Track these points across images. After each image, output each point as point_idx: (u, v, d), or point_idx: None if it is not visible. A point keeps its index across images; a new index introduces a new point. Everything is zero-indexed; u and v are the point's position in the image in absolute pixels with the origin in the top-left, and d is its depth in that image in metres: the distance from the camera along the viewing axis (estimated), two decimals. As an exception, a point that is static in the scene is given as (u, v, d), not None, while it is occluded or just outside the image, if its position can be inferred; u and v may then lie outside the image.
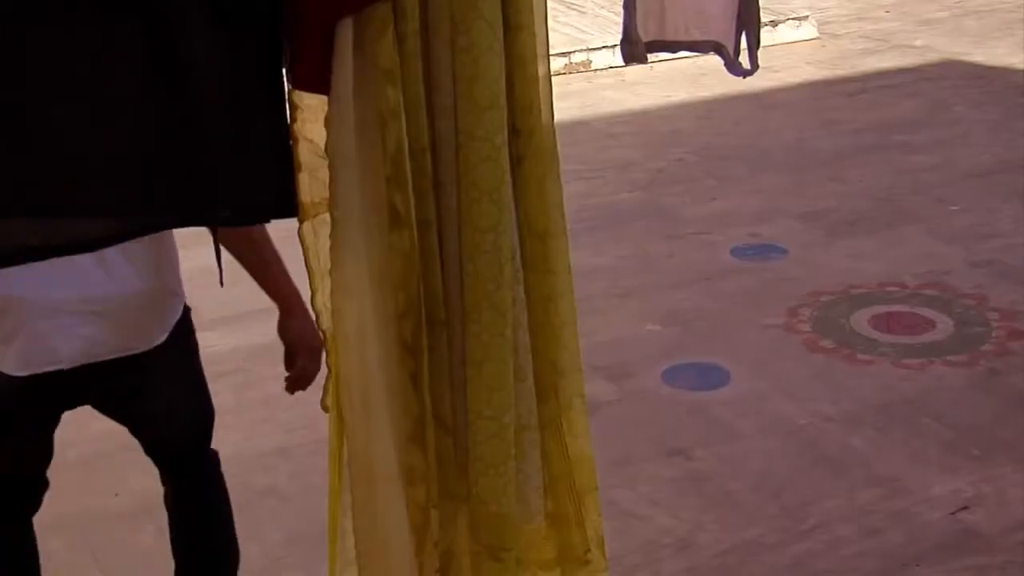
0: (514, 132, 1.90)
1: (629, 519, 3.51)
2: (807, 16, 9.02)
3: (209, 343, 4.61)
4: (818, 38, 8.83)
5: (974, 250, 5.15)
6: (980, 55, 8.04)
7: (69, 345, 2.41)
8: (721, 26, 2.16)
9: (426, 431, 2.03)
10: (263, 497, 3.68)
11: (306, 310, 2.55)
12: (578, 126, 7.14)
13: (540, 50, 1.88)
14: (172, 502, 2.88)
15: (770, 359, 4.37)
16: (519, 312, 2.02)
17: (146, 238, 2.35)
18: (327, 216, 1.91)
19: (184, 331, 2.66)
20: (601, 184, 6.18)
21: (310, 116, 1.88)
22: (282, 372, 4.19)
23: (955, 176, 6.02)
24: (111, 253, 2.34)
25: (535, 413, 2.07)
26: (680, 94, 7.50)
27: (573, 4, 9.64)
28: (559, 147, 6.25)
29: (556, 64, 8.01)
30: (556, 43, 8.32)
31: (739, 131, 6.97)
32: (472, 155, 1.88)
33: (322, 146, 1.87)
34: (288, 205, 1.91)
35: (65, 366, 2.44)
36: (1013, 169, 6.05)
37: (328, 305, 1.97)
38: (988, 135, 6.57)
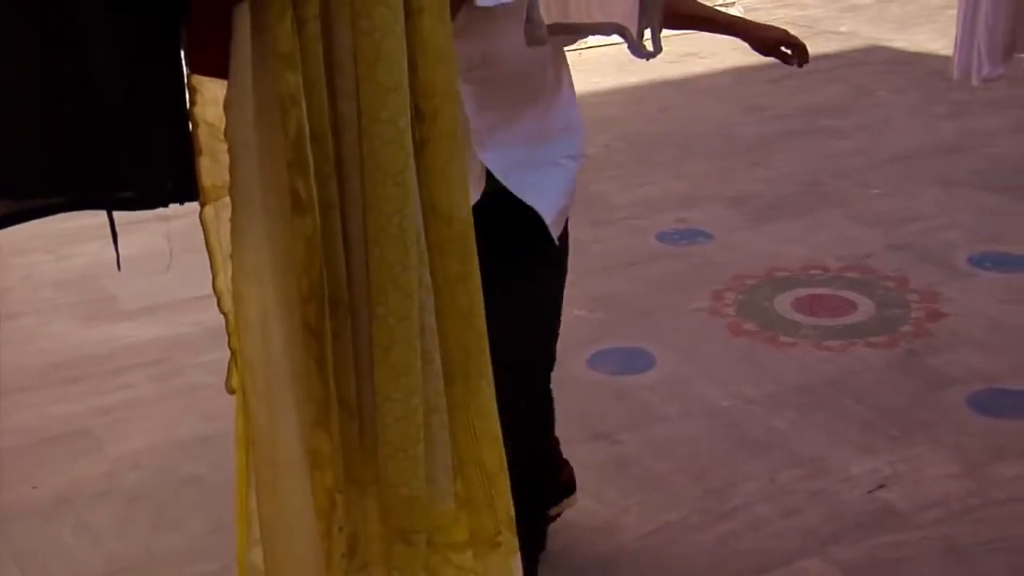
0: (418, 115, 1.90)
1: (553, 503, 3.52)
2: (734, 3, 9.07)
3: (129, 333, 4.60)
4: (746, 24, 8.89)
5: (895, 233, 5.22)
6: (903, 41, 8.14)
7: None
8: (624, 8, 2.16)
9: (331, 415, 2.02)
10: (185, 486, 3.65)
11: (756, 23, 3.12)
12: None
13: (442, 34, 1.88)
14: None
15: (695, 343, 4.40)
16: (425, 295, 2.02)
17: None
18: (229, 199, 1.90)
19: None
20: (529, 171, 6.18)
21: (210, 100, 1.87)
22: (204, 360, 4.18)
23: (877, 161, 6.09)
24: None
25: (443, 395, 2.07)
26: (608, 80, 7.52)
27: (502, -8, 9.62)
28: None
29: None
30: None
31: (666, 117, 7.01)
32: (375, 138, 1.87)
33: (222, 130, 1.86)
34: (189, 189, 1.90)
35: None
36: (933, 153, 6.14)
37: (230, 288, 1.96)
38: (909, 120, 6.66)
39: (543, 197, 2.76)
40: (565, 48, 2.68)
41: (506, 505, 2.19)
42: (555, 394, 4.08)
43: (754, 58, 6.29)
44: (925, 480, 3.53)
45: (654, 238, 5.30)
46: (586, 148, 2.98)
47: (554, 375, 4.18)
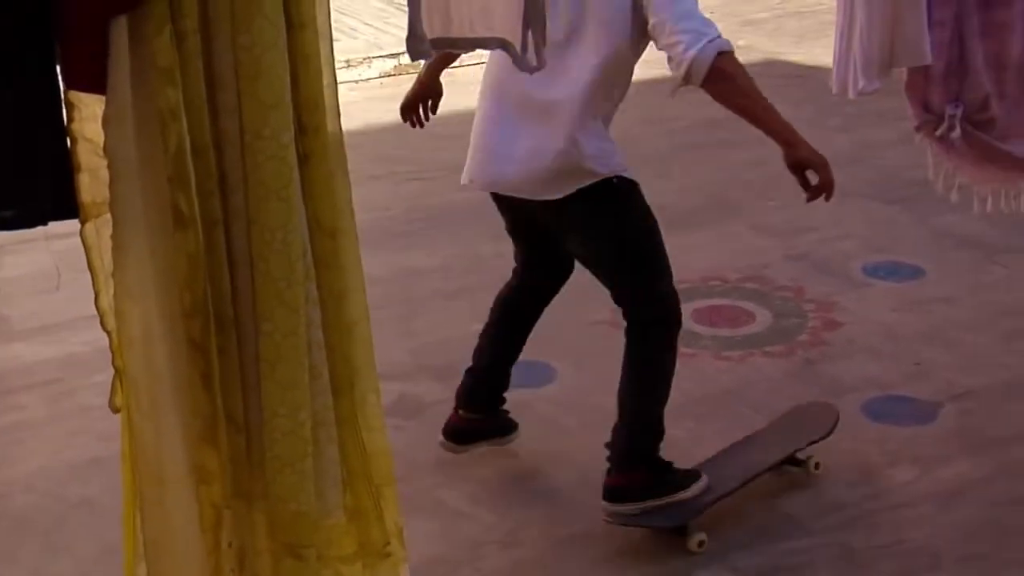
0: (300, 130, 1.90)
1: (454, 518, 3.52)
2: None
3: (21, 353, 4.51)
4: (649, 39, 8.95)
5: (791, 244, 5.29)
6: (799, 55, 8.25)
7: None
8: (507, 23, 2.16)
9: (218, 430, 2.01)
10: (76, 509, 3.59)
11: (800, 138, 3.26)
12: (409, 128, 7.11)
13: (325, 48, 1.87)
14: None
15: (595, 355, 4.41)
16: (312, 309, 2.02)
17: None
18: (110, 216, 1.87)
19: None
20: (433, 185, 6.18)
21: (88, 115, 1.84)
22: (97, 381, 4.10)
23: (775, 173, 6.08)
24: None
25: (331, 409, 2.07)
26: (510, 95, 7.53)
27: (402, 5, 9.63)
28: (390, 148, 6.23)
29: (386, 65, 8.00)
30: (387, 44, 8.31)
31: (568, 131, 7.03)
32: (258, 153, 1.86)
33: (101, 146, 1.83)
34: (68, 206, 1.87)
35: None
36: (829, 165, 6.22)
37: (112, 306, 1.93)
38: (805, 132, 6.63)
39: None
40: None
41: (394, 515, 2.20)
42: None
43: (654, 71, 6.35)
44: (821, 487, 3.58)
45: (555, 251, 5.30)
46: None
47: (455, 388, 4.18)
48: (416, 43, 2.11)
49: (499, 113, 3.35)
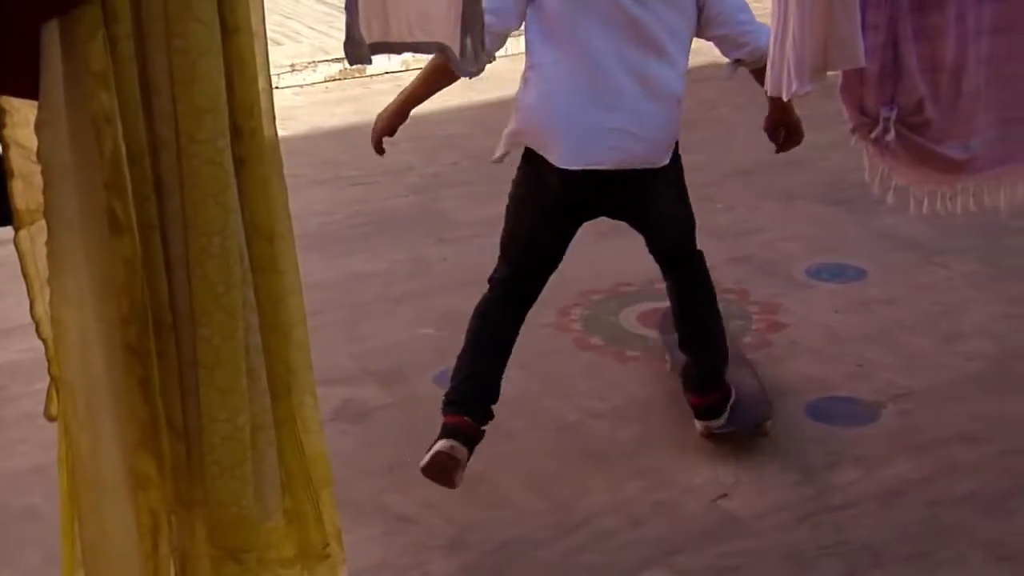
0: (236, 133, 1.89)
1: (400, 523, 3.51)
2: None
3: (-42, 361, 4.45)
4: (592, 43, 8.99)
5: (736, 246, 5.32)
6: (745, 58, 8.32)
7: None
8: (445, 28, 2.17)
9: (159, 436, 2.00)
10: (19, 519, 3.55)
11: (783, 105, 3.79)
12: (354, 131, 7.09)
13: (260, 52, 1.86)
14: (671, 290, 3.91)
15: (541, 359, 4.41)
16: (249, 314, 2.02)
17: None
18: (44, 223, 1.85)
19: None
20: (377, 189, 6.16)
21: (20, 121, 1.83)
22: (38, 388, 4.03)
23: (721, 175, 6.20)
24: None
25: (270, 412, 2.07)
26: (456, 99, 7.50)
27: (350, 10, 9.59)
28: (334, 153, 6.20)
29: (331, 70, 7.97)
30: (332, 48, 8.27)
31: (514, 134, 7.04)
32: (194, 158, 1.85)
33: (35, 151, 1.81)
34: (2, 213, 1.85)
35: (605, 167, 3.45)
36: (772, 169, 6.25)
37: (48, 313, 1.92)
38: (751, 136, 6.73)
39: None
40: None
41: (332, 517, 2.20)
42: (401, 413, 4.09)
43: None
44: (765, 487, 3.60)
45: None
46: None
47: (401, 393, 4.18)
48: (354, 48, 2.11)
49: (593, 90, 3.48)
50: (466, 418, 3.54)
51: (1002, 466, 3.66)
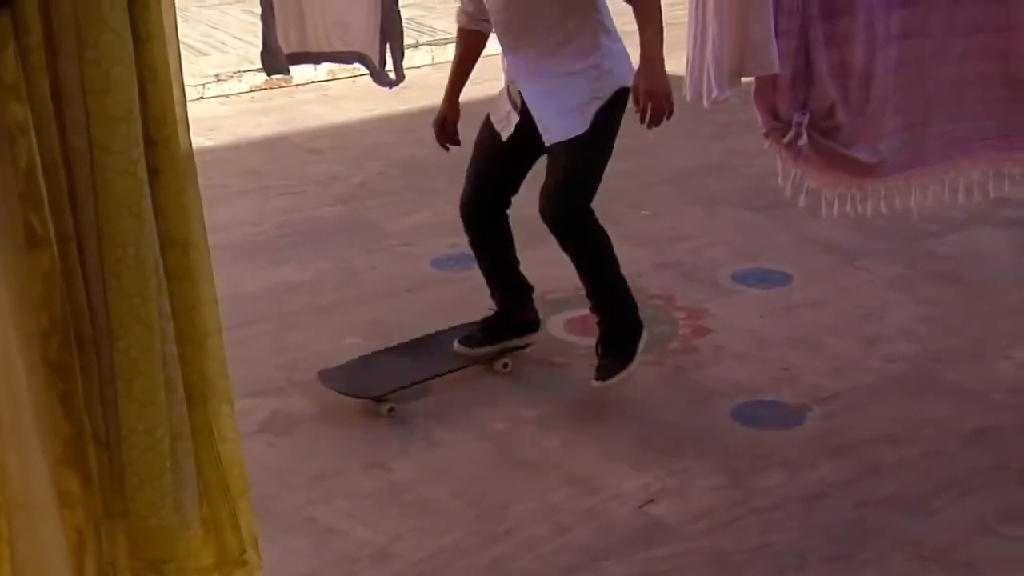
0: (150, 143, 1.87)
1: (327, 534, 3.49)
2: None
3: None
4: (518, 51, 9.01)
5: (663, 252, 5.36)
6: (669, 65, 8.35)
7: None
8: (364, 37, 2.16)
9: (86, 451, 1.98)
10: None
11: (655, 68, 3.84)
12: (279, 141, 7.08)
13: (172, 60, 1.85)
14: None
15: (469, 367, 4.41)
16: (166, 324, 2.00)
17: None
18: (-44, 237, 1.82)
19: None
20: (303, 199, 6.14)
21: (-68, 132, 1.79)
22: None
23: (648, 182, 6.24)
24: None
25: (187, 422, 2.06)
26: (382, 108, 7.51)
27: (276, 19, 9.53)
28: (260, 163, 6.16)
29: (257, 79, 7.92)
30: (258, 58, 8.18)
31: (440, 143, 7.03)
32: (108, 169, 1.83)
33: (-54, 165, 1.79)
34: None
35: None
36: (699, 175, 6.33)
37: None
38: (678, 142, 6.82)
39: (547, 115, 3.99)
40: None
41: (249, 524, 2.20)
42: (328, 424, 4.07)
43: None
44: (692, 492, 3.63)
45: (428, 264, 5.31)
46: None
47: (328, 404, 4.16)
48: (271, 58, 2.10)
49: None
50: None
51: (923, 467, 3.72)
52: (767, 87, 3.32)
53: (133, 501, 2.04)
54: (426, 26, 9.25)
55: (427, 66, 8.70)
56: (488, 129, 4.27)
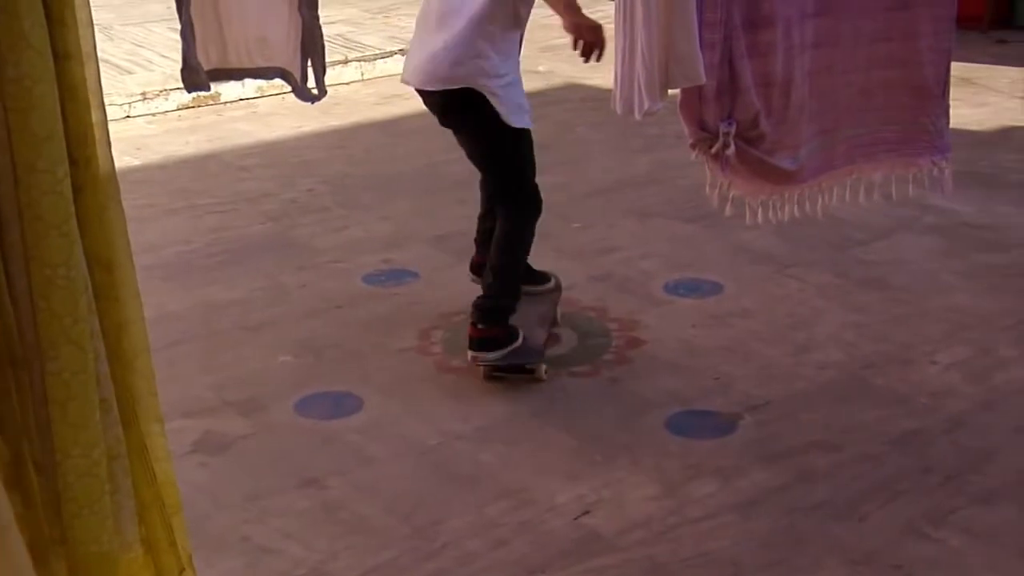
0: (71, 162, 1.85)
1: (261, 554, 3.46)
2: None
3: None
4: (448, 66, 9.02)
5: (595, 264, 5.38)
6: (598, 79, 8.38)
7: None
8: (284, 53, 2.15)
9: (27, 474, 1.96)
10: None
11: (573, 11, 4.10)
12: (208, 159, 7.02)
13: (91, 78, 1.83)
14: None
15: (402, 382, 4.41)
16: (98, 343, 1.98)
17: None
18: None
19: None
20: (233, 217, 6.09)
21: None
22: None
23: (578, 195, 6.27)
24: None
25: (123, 442, 2.04)
26: (312, 124, 7.49)
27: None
28: (189, 181, 6.11)
29: (184, 97, 7.85)
30: (185, 76, 8.15)
31: (370, 159, 7.03)
32: (33, 188, 1.81)
33: None
34: None
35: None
36: (629, 187, 6.37)
37: None
38: (607, 155, 6.89)
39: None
40: None
41: (184, 543, 2.18)
42: (261, 443, 4.04)
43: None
44: (627, 503, 3.64)
45: (360, 280, 5.29)
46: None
47: (260, 423, 4.13)
48: (191, 75, 2.08)
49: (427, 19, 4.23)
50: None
51: (854, 472, 3.76)
52: (693, 98, 3.35)
53: (72, 528, 2.01)
54: (355, 42, 9.23)
55: (356, 82, 8.69)
56: None
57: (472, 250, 4.84)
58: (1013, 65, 8.64)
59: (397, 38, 9.40)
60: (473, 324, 4.35)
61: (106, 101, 1.98)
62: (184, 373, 4.38)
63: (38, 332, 1.92)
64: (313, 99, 2.25)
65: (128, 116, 7.76)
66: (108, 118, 1.99)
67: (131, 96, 7.86)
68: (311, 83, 2.45)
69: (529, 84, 8.33)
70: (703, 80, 3.19)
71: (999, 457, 3.83)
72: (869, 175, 4.03)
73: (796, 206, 3.82)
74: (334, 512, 3.63)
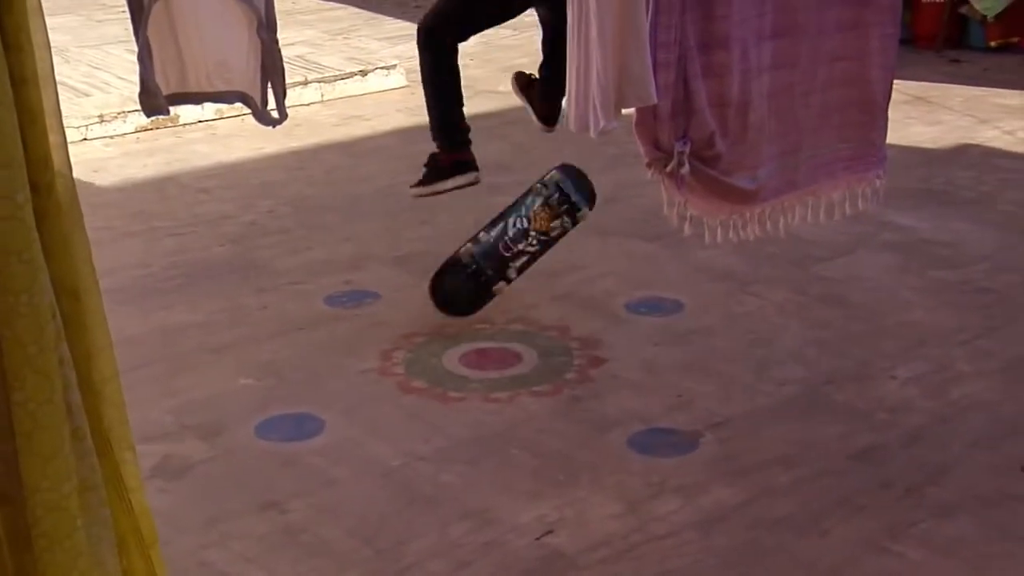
0: (33, 188, 1.84)
1: (223, 579, 3.44)
2: (395, 65, 9.20)
3: None
4: (407, 86, 9.02)
5: (557, 284, 5.39)
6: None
7: None
8: (244, 76, 2.15)
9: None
10: None
11: None
12: (167, 182, 7.00)
13: (49, 102, 1.82)
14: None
15: (364, 404, 4.40)
16: (68, 372, 1.96)
17: None
18: None
19: None
20: (193, 239, 6.07)
21: None
22: None
23: (538, 214, 6.26)
24: None
25: (99, 471, 2.01)
26: (272, 146, 7.48)
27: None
28: (147, 204, 6.08)
29: (142, 119, 7.82)
30: (143, 98, 8.12)
31: (331, 180, 7.03)
32: (-6, 216, 1.80)
33: None
34: None
35: None
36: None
37: None
38: (567, 174, 6.89)
39: None
40: None
41: (163, 573, 2.14)
42: (222, 467, 4.02)
43: (418, 118, 6.36)
44: (590, 522, 3.64)
45: (321, 301, 5.28)
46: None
47: (221, 446, 4.11)
48: (149, 98, 2.08)
49: None
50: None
51: (816, 487, 3.78)
52: (648, 118, 3.38)
53: (42, 563, 1.98)
54: (315, 63, 9.23)
55: (316, 103, 8.68)
56: None
57: (432, 269, 4.88)
58: (966, 84, 8.75)
59: (356, 59, 9.40)
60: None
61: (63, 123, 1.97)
62: (143, 398, 4.34)
63: (2, 362, 1.90)
64: (274, 123, 2.25)
65: (85, 139, 7.72)
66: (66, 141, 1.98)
67: (88, 118, 7.82)
68: (272, 105, 2.45)
69: (489, 104, 8.40)
70: (655, 100, 3.21)
71: (957, 470, 3.86)
72: (830, 193, 4.08)
73: (758, 225, 3.86)
74: (296, 535, 3.61)
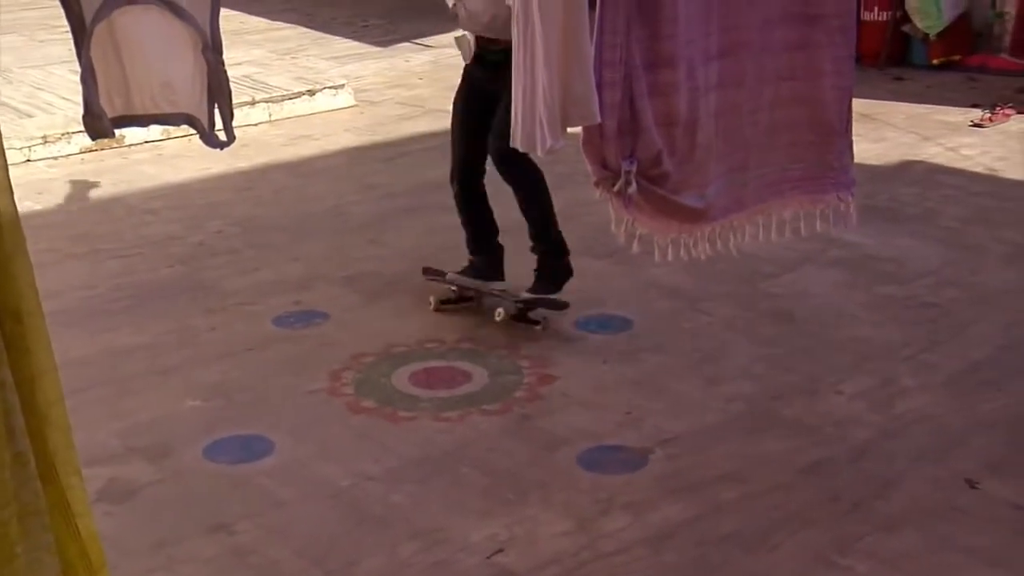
0: (-29, 211, 1.82)
1: (170, 603, 3.41)
2: (344, 84, 9.19)
3: None
4: (356, 105, 9.02)
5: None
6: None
7: None
8: (190, 98, 2.14)
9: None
10: None
11: None
12: (113, 203, 6.94)
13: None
14: None
15: (313, 424, 4.38)
16: (10, 395, 1.94)
17: None
18: None
19: None
20: (139, 261, 6.02)
21: None
22: None
23: (487, 233, 6.26)
24: None
25: (42, 496, 1.98)
26: (219, 166, 7.44)
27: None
28: (92, 226, 6.02)
29: (87, 140, 7.73)
30: (89, 119, 8.05)
31: (279, 200, 7.00)
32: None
33: None
34: None
35: None
36: (538, 223, 6.37)
37: None
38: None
39: None
40: None
41: None
42: (170, 489, 3.98)
43: (367, 138, 6.35)
44: (539, 540, 3.64)
45: (270, 322, 5.25)
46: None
47: (169, 468, 4.07)
48: (94, 121, 2.06)
49: None
50: None
51: (763, 503, 3.80)
52: (595, 137, 3.39)
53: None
54: (262, 83, 9.19)
55: (264, 123, 8.65)
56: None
57: (383, 291, 4.85)
58: (909, 101, 8.86)
59: (304, 79, 9.38)
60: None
61: (5, 145, 1.95)
62: (88, 420, 4.30)
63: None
64: (221, 145, 2.24)
65: (28, 160, 7.64)
66: (8, 162, 1.96)
67: (31, 139, 7.74)
68: (219, 127, 2.44)
69: (438, 123, 8.40)
70: (598, 120, 3.22)
71: (902, 484, 3.89)
72: (779, 212, 4.09)
73: (708, 244, 3.87)
74: (244, 557, 3.59)
